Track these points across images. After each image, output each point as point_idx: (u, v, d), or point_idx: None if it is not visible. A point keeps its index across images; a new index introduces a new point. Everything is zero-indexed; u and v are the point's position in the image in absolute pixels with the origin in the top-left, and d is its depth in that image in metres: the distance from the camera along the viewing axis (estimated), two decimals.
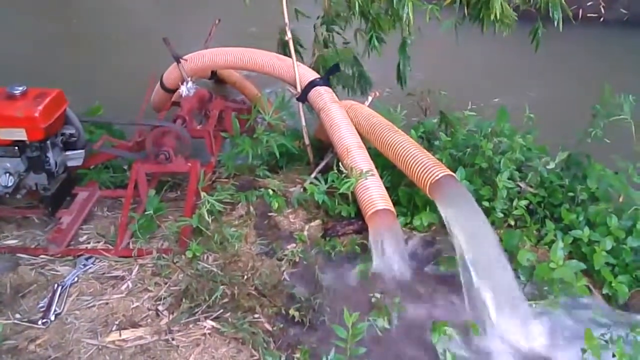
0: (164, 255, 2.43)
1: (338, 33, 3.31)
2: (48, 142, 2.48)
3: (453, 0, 2.83)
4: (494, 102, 4.06)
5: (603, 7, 5.77)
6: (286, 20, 2.95)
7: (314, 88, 2.90)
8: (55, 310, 2.21)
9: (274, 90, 3.64)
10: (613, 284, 2.37)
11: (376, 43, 3.11)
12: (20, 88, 2.40)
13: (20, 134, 2.39)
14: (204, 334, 2.10)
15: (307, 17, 3.17)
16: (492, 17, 2.70)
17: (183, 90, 3.10)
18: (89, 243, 2.61)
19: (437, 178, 2.24)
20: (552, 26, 2.85)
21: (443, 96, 3.44)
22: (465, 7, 2.82)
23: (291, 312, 2.14)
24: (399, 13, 2.82)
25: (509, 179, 2.60)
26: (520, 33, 2.92)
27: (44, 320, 2.16)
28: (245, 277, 2.29)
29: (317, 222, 2.62)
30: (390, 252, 2.36)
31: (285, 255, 2.42)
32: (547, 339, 2.17)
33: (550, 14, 2.77)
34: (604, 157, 2.77)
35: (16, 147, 2.45)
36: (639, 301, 2.39)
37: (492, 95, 4.24)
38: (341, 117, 2.73)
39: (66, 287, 2.32)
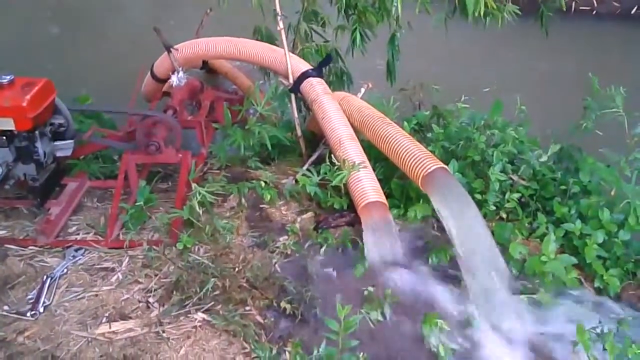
0: (154, 247, 2.41)
1: (315, 31, 3.26)
2: (36, 132, 2.44)
3: None
4: (484, 93, 4.05)
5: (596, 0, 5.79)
6: (278, 9, 2.92)
7: (307, 79, 2.88)
8: (44, 302, 2.19)
9: (267, 81, 3.60)
10: (604, 277, 2.38)
11: (358, 39, 3.05)
12: (7, 77, 2.36)
13: (8, 124, 2.34)
14: (195, 327, 2.09)
15: (285, 16, 3.12)
16: (476, 13, 2.68)
17: (174, 80, 3.07)
18: (78, 234, 2.58)
19: (429, 170, 2.23)
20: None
21: (435, 90, 3.42)
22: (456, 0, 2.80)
23: (283, 304, 2.13)
24: (386, 6, 2.78)
25: (501, 171, 2.60)
26: (512, 27, 2.90)
27: (33, 312, 2.14)
28: (237, 269, 2.28)
29: (309, 214, 2.61)
30: (382, 244, 2.36)
31: (277, 247, 2.41)
32: (536, 331, 2.18)
33: None
34: (596, 150, 2.77)
35: (4, 137, 2.41)
36: (630, 294, 2.41)
37: (482, 87, 4.22)
38: (333, 108, 2.71)
39: (55, 279, 2.30)
